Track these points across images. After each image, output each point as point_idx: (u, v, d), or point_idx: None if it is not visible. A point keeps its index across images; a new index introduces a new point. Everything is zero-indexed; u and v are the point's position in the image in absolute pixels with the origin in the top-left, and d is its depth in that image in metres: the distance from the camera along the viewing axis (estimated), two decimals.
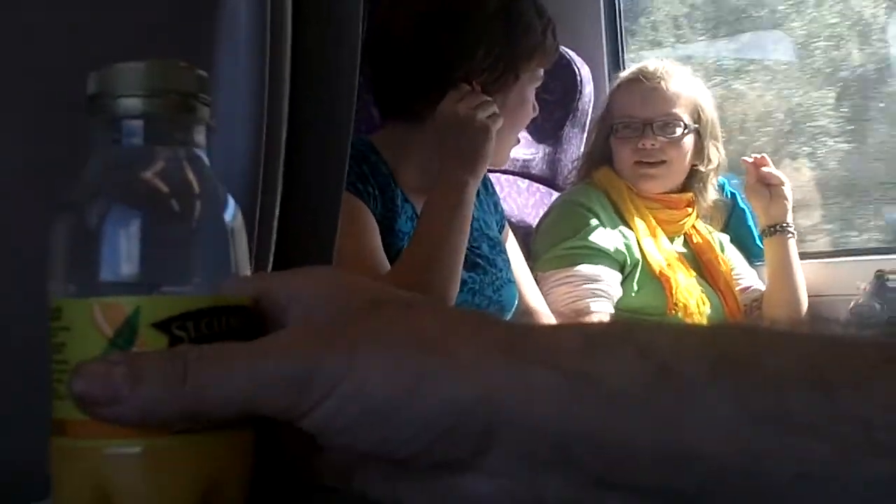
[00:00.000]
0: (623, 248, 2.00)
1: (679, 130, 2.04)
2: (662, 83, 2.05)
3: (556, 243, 1.99)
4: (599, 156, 2.13)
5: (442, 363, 0.34)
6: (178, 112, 0.40)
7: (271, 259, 0.68)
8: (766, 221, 2.12)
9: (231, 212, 0.41)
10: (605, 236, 2.00)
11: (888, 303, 1.42)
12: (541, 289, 1.92)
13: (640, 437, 0.33)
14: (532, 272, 1.91)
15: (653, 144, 2.02)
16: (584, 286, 1.93)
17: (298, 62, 0.71)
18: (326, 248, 0.77)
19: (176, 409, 0.35)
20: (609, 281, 1.96)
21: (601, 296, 1.93)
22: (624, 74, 2.16)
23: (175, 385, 0.34)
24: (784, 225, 2.10)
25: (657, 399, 0.33)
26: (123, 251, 0.38)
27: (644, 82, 2.06)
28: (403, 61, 1.55)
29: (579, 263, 1.95)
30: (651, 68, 2.09)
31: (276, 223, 0.68)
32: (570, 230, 2.00)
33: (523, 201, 2.24)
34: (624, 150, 2.06)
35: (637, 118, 2.04)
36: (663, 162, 2.04)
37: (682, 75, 2.09)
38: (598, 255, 1.97)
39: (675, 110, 2.04)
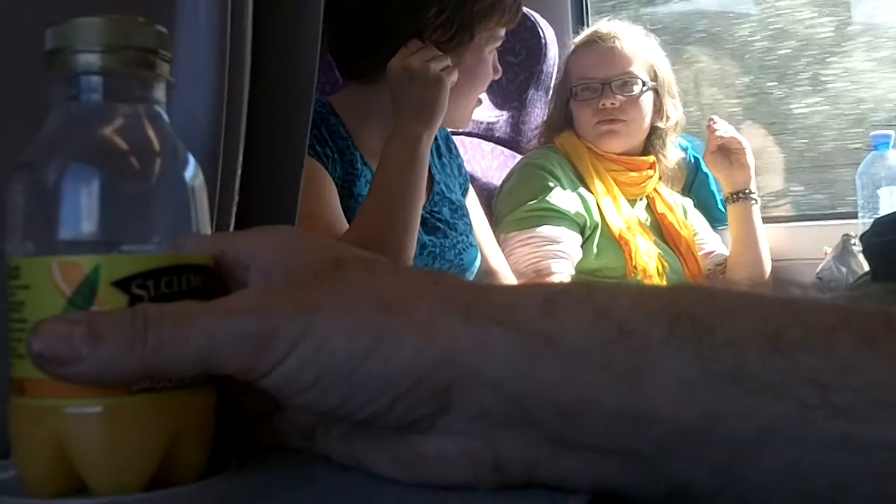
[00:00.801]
0: (583, 211, 2.01)
1: (637, 88, 2.05)
2: (617, 43, 2.07)
3: (517, 206, 2.00)
4: (560, 120, 2.14)
5: (402, 323, 0.34)
6: (137, 68, 0.39)
7: (233, 218, 0.67)
8: (729, 188, 2.14)
9: (192, 170, 0.41)
10: (565, 199, 2.01)
11: (852, 266, 1.44)
12: (502, 250, 1.92)
13: (598, 396, 0.33)
14: (494, 234, 1.92)
15: (612, 104, 2.03)
16: (546, 247, 1.94)
17: (261, 20, 0.70)
18: (289, 208, 0.77)
19: (136, 369, 0.34)
20: (570, 242, 1.97)
21: (562, 257, 1.95)
22: (578, 38, 2.17)
23: (135, 344, 0.34)
24: (747, 191, 2.12)
25: (616, 359, 0.33)
26: (82, 209, 0.37)
27: (599, 43, 2.08)
28: (355, 23, 1.53)
29: (541, 225, 1.96)
30: (605, 30, 2.10)
31: (237, 182, 0.67)
32: (531, 193, 2.00)
33: (487, 164, 2.24)
34: (585, 111, 2.07)
35: (595, 79, 2.05)
36: (623, 120, 2.05)
37: (635, 35, 2.11)
38: (559, 216, 1.98)
39: (631, 69, 2.06)
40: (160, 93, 0.40)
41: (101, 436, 0.36)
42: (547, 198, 1.99)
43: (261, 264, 0.39)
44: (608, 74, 2.05)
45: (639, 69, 2.06)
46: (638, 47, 2.08)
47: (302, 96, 0.74)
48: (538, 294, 0.36)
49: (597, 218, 2.02)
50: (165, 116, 0.40)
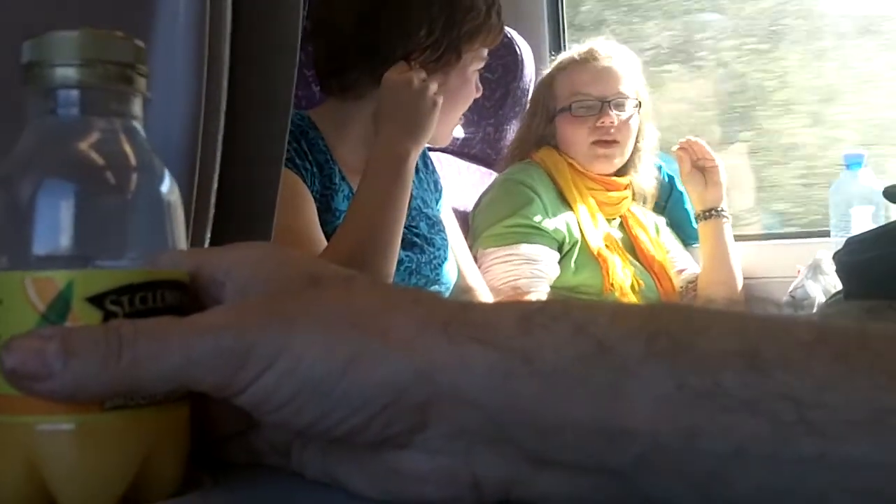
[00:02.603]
0: (563, 228, 2.01)
1: (629, 109, 2.06)
2: (612, 62, 2.08)
3: (496, 221, 2.00)
4: (539, 136, 2.13)
5: (379, 340, 0.34)
6: (114, 82, 0.39)
7: (209, 233, 0.67)
8: (701, 206, 2.15)
9: (168, 185, 0.40)
10: (545, 215, 2.01)
11: (825, 285, 1.45)
12: (479, 265, 1.92)
13: (575, 413, 0.33)
14: (471, 249, 1.92)
15: (611, 122, 2.04)
16: (523, 266, 1.94)
17: (239, 34, 0.70)
18: (265, 223, 0.77)
19: (110, 385, 0.34)
20: (547, 261, 1.97)
21: (539, 276, 1.95)
22: (570, 54, 2.15)
23: (109, 360, 0.33)
24: (719, 209, 2.13)
25: (593, 376, 0.33)
26: (57, 224, 0.37)
27: (596, 61, 2.08)
28: (345, 38, 1.54)
29: (520, 243, 1.96)
30: (600, 47, 2.10)
31: (213, 197, 0.67)
32: (511, 208, 2.00)
33: (463, 180, 2.24)
34: (580, 129, 2.06)
35: (593, 96, 2.05)
36: (617, 142, 2.06)
37: (626, 54, 2.11)
38: (538, 234, 1.98)
39: (623, 89, 2.06)
40: (137, 107, 0.40)
41: (73, 453, 0.35)
42: (526, 214, 1.99)
43: (237, 280, 0.39)
44: (605, 93, 2.05)
45: (629, 89, 2.07)
46: (628, 67, 2.09)
47: (279, 109, 0.74)
48: (515, 312, 0.36)
49: (576, 234, 2.02)
50: (142, 131, 0.40)
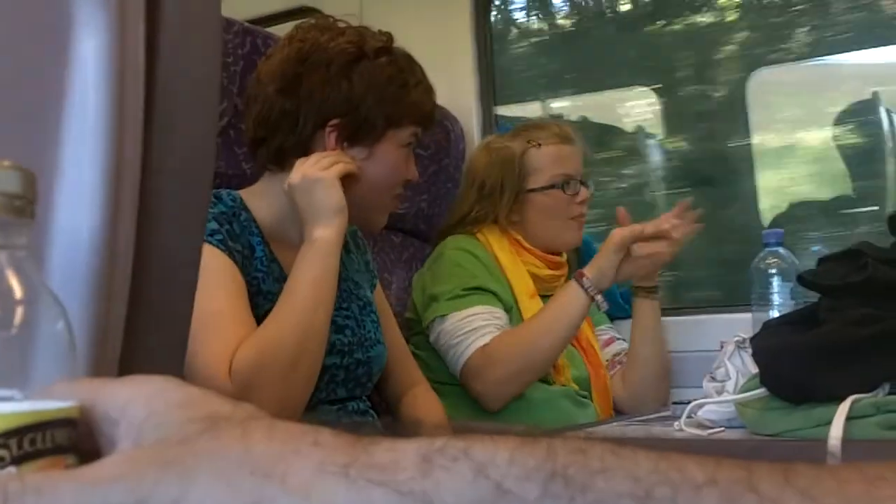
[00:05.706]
0: (505, 299, 2.01)
1: (591, 186, 2.14)
2: (579, 141, 2.15)
3: (454, 286, 1.96)
4: (484, 212, 2.11)
5: (278, 488, 0.34)
6: (1, 214, 0.38)
7: (121, 338, 0.65)
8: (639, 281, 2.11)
9: (57, 314, 0.40)
10: (494, 282, 2.01)
11: (745, 365, 1.45)
12: (439, 330, 1.92)
13: None
14: (429, 314, 1.95)
15: (587, 199, 2.11)
16: (489, 325, 1.92)
17: (151, 134, 0.69)
18: (183, 314, 0.75)
19: None
20: (506, 321, 1.96)
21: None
22: (542, 132, 2.14)
23: None
24: (651, 287, 2.12)
25: None
26: None
27: (571, 140, 2.13)
28: (269, 106, 1.55)
29: (481, 304, 1.95)
30: (566, 129, 2.16)
31: (126, 298, 0.65)
32: (467, 273, 1.99)
33: (396, 256, 2.24)
34: (563, 206, 2.09)
35: (575, 175, 2.11)
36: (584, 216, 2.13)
37: (577, 133, 2.17)
38: (495, 297, 1.98)
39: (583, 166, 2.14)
40: (24, 237, 0.40)
41: None
42: (482, 279, 1.99)
43: (131, 420, 0.38)
44: (580, 170, 2.12)
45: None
46: (583, 145, 2.16)
47: (194, 220, 0.73)
48: (417, 452, 0.36)
49: (512, 308, 2.02)
50: (29, 259, 0.40)
